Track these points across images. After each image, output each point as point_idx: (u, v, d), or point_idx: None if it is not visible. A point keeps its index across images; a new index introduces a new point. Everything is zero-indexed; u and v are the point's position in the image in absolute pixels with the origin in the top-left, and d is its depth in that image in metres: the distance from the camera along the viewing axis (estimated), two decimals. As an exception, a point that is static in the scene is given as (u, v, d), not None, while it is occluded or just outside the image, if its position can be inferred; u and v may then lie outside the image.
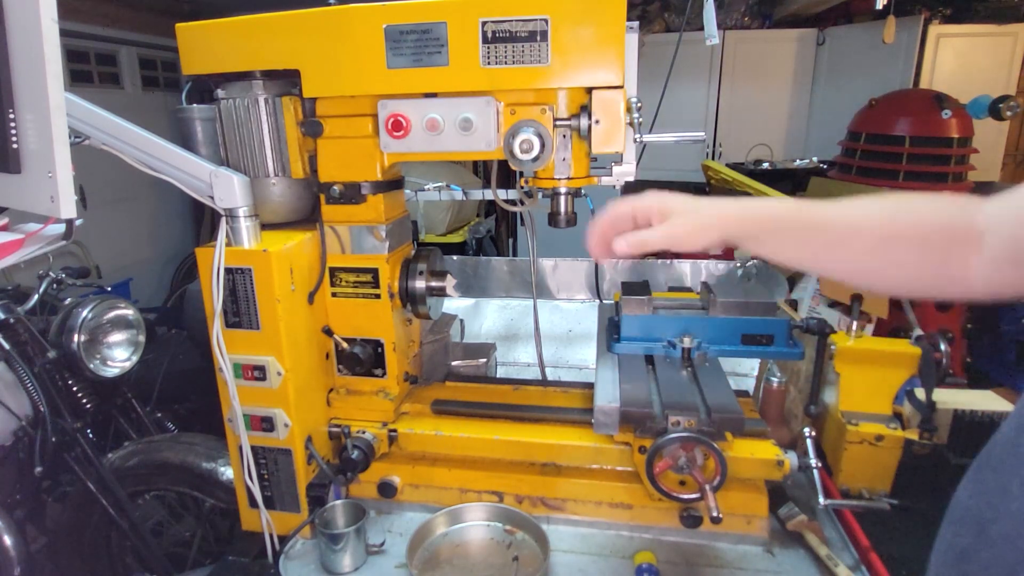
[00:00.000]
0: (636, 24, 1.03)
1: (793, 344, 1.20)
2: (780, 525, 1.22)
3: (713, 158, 4.56)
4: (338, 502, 1.25)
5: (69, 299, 2.11)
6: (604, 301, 2.10)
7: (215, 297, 1.13)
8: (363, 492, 1.34)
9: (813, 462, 1.20)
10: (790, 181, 4.17)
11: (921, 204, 0.74)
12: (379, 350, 1.31)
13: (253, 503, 1.26)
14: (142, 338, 2.10)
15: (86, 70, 4.32)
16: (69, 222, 0.99)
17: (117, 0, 4.40)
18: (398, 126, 1.13)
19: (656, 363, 1.33)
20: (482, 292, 2.33)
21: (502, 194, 1.49)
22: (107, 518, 1.83)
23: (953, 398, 1.34)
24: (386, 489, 1.31)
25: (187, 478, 1.80)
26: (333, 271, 1.28)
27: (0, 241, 1.22)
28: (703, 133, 1.30)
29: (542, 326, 1.72)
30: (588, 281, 2.26)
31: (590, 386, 1.45)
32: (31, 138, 0.91)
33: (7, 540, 1.66)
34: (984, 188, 3.38)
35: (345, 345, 1.29)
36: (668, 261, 2.21)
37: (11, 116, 0.90)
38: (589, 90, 1.08)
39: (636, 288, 1.30)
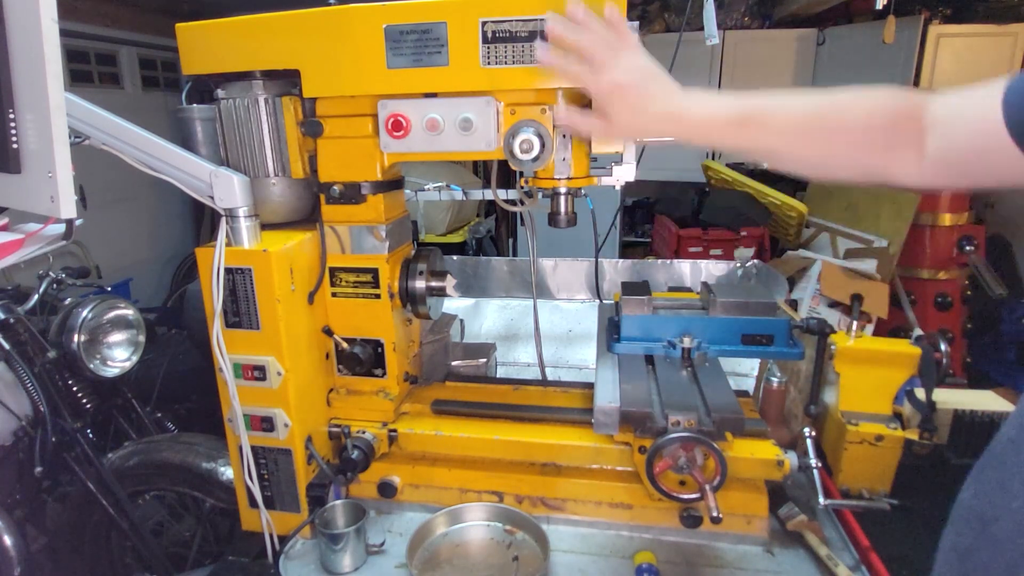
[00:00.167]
0: (636, 24, 1.02)
1: (793, 344, 1.20)
2: (780, 525, 1.22)
3: (713, 158, 4.55)
4: (338, 502, 1.25)
5: (69, 299, 2.11)
6: (604, 301, 2.09)
7: (215, 297, 1.13)
8: (363, 492, 1.34)
9: (813, 462, 1.20)
10: (790, 181, 4.16)
11: (865, 98, 0.76)
12: (379, 350, 1.31)
13: (253, 503, 1.26)
14: (142, 338, 2.10)
15: (86, 70, 4.31)
16: (69, 222, 0.99)
17: (117, 0, 4.40)
18: (398, 126, 1.13)
19: (656, 363, 1.34)
20: (482, 292, 2.33)
21: (502, 194, 1.49)
22: (107, 518, 1.83)
23: (953, 398, 1.34)
24: (386, 489, 1.31)
25: (187, 478, 1.80)
26: (333, 271, 1.28)
27: (0, 241, 1.22)
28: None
29: (542, 326, 1.72)
30: (588, 281, 2.26)
31: (590, 386, 1.45)
32: (31, 138, 0.91)
33: (7, 540, 1.66)
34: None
35: (345, 345, 1.30)
36: (668, 261, 2.22)
37: (11, 116, 0.90)
38: (589, 90, 1.08)
39: (636, 288, 1.30)
